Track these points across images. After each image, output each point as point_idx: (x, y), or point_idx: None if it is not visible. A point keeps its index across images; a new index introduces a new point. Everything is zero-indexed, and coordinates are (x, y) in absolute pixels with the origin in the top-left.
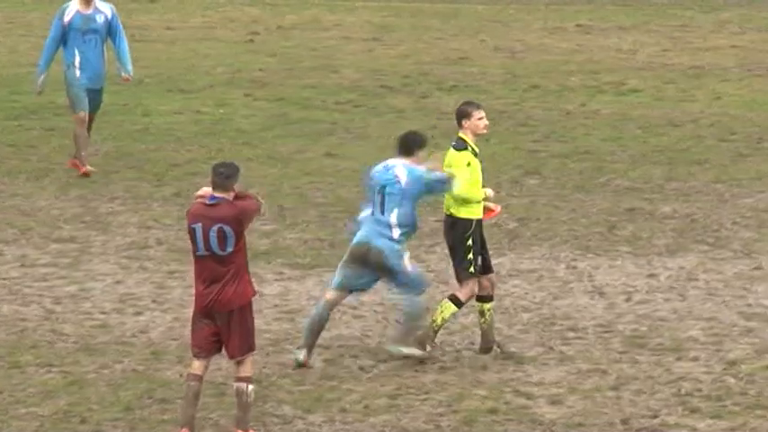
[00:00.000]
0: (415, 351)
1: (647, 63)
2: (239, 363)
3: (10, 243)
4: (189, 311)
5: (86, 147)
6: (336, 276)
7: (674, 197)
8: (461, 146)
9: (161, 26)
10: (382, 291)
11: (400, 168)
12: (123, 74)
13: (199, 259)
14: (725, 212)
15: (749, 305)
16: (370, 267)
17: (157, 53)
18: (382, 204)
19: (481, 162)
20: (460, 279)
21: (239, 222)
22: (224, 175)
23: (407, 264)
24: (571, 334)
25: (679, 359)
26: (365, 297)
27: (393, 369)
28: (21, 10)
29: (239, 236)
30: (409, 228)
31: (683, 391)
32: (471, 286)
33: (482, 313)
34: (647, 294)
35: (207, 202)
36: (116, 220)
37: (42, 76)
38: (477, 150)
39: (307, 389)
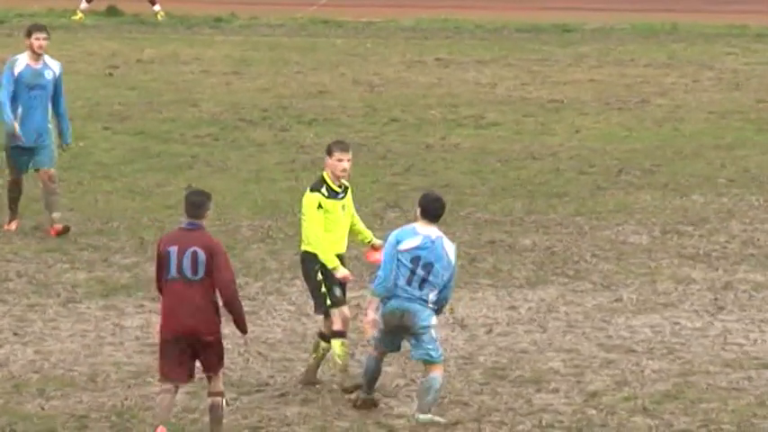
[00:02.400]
0: (440, 419)
1: (506, 96)
2: (211, 378)
3: None
4: (50, 344)
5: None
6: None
7: (534, 230)
8: (316, 186)
9: None
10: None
11: (448, 245)
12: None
13: (168, 282)
14: (584, 245)
15: (609, 337)
16: (404, 330)
17: None
18: (423, 281)
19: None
20: (323, 314)
21: (211, 254)
22: (196, 204)
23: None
24: None
25: (539, 391)
26: (226, 329)
27: (255, 401)
28: None
29: (209, 265)
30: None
31: (543, 423)
32: (338, 315)
33: (316, 348)
34: (508, 326)
35: (183, 226)
36: None
37: (15, 124)
38: (337, 189)
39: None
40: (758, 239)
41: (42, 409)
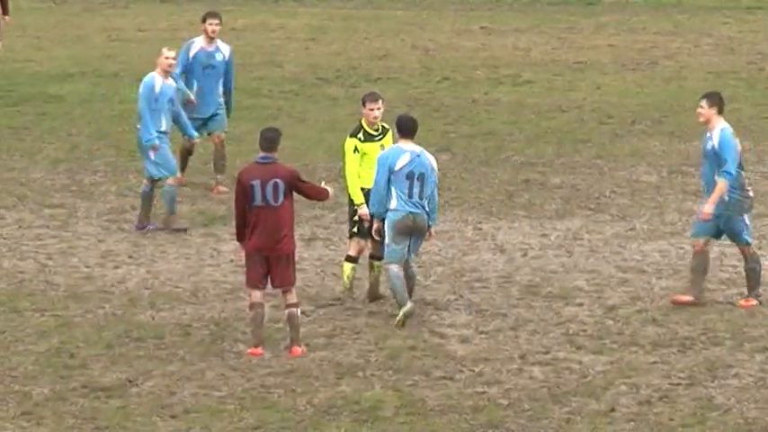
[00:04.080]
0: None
1: (539, 59)
2: (287, 292)
3: (9, 208)
4: (159, 265)
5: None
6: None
7: (562, 170)
8: (355, 132)
9: (134, 28)
10: (319, 249)
11: (430, 156)
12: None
13: (254, 209)
14: (604, 183)
15: (625, 260)
16: (417, 232)
17: (131, 51)
18: (421, 191)
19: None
20: (349, 237)
21: (290, 181)
22: (270, 139)
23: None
24: (477, 284)
25: (566, 305)
26: (305, 253)
27: (329, 314)
28: (17, 14)
29: (289, 191)
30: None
31: (570, 332)
32: (356, 243)
33: (371, 268)
34: (540, 251)
35: (259, 160)
36: (98, 189)
37: (189, 94)
38: (373, 133)
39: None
40: (748, 178)
41: (153, 319)
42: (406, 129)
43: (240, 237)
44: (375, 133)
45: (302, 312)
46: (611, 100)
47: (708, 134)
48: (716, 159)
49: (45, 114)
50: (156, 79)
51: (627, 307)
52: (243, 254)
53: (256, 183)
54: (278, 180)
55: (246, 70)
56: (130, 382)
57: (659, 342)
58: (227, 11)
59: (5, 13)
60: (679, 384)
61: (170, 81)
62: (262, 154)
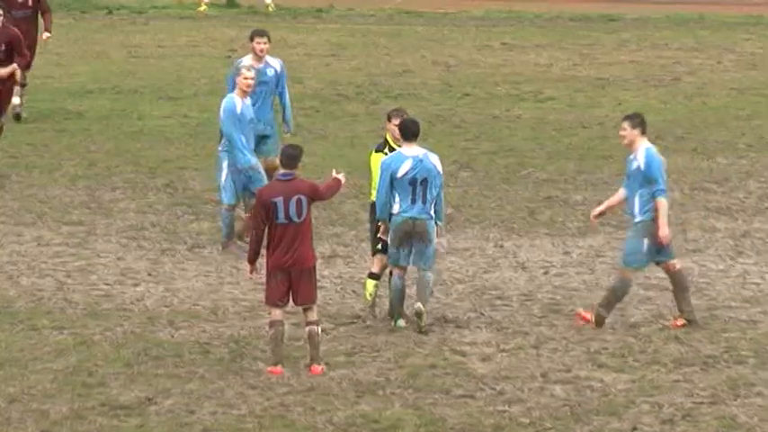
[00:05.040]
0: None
1: (560, 75)
2: (308, 310)
3: (28, 225)
4: (178, 283)
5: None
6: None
7: (584, 187)
8: (380, 147)
9: (153, 44)
10: (339, 266)
11: (434, 157)
12: (285, 129)
13: (279, 227)
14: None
15: (647, 277)
16: (417, 237)
17: (150, 67)
18: (424, 196)
19: None
20: (372, 253)
21: (311, 194)
22: (291, 156)
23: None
24: (498, 302)
25: (588, 322)
26: (326, 271)
27: (349, 331)
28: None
29: (310, 206)
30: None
31: (592, 350)
32: (379, 260)
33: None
34: (562, 269)
35: (281, 177)
36: (117, 206)
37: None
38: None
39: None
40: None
41: (172, 337)
42: (409, 132)
43: (253, 257)
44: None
45: (322, 330)
46: None
47: (632, 155)
48: (642, 180)
49: (64, 131)
50: (236, 100)
51: (649, 325)
52: (263, 272)
53: (279, 200)
54: (301, 196)
55: None
56: (149, 400)
57: (682, 360)
58: (246, 26)
59: (47, 29)
60: (702, 403)
61: (249, 101)
62: (282, 171)
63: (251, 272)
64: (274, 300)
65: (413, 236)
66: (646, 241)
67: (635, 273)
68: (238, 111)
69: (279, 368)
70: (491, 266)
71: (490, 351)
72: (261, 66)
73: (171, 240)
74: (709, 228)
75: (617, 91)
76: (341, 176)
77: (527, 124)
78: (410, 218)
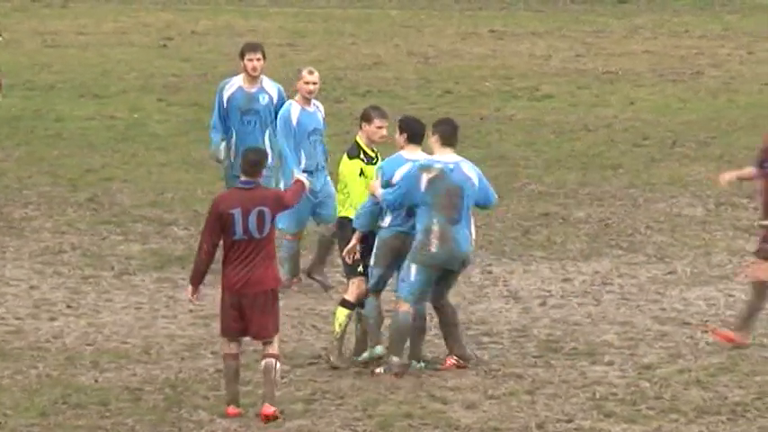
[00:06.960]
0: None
1: (560, 68)
2: (267, 342)
3: None
4: (104, 317)
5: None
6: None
7: (588, 202)
8: (353, 153)
9: (73, 31)
10: (297, 297)
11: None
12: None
13: (235, 243)
14: (638, 217)
15: (663, 309)
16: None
17: (70, 58)
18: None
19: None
20: (348, 277)
21: (275, 204)
22: (253, 162)
23: None
24: (486, 338)
25: (594, 363)
26: (281, 302)
27: (309, 374)
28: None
29: (273, 220)
30: None
31: (597, 396)
32: (356, 286)
33: (359, 319)
34: (562, 299)
35: (241, 185)
36: (30, 225)
37: (217, 147)
38: (372, 155)
39: (221, 394)
40: None
41: (96, 381)
42: (415, 133)
43: (196, 278)
44: (373, 155)
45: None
46: (647, 117)
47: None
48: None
49: None
50: (292, 108)
51: (666, 366)
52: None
53: (237, 212)
54: (264, 208)
55: (209, 82)
56: None
57: (705, 408)
58: (185, 10)
59: None
60: None
61: (312, 108)
62: (243, 178)
63: (192, 294)
64: (226, 329)
65: (401, 255)
66: (414, 268)
67: None
68: (293, 121)
69: (234, 409)
70: (477, 296)
71: (476, 397)
72: (253, 90)
73: (94, 266)
74: (739, 250)
75: (628, 87)
76: (303, 177)
77: (520, 127)
78: (402, 233)
